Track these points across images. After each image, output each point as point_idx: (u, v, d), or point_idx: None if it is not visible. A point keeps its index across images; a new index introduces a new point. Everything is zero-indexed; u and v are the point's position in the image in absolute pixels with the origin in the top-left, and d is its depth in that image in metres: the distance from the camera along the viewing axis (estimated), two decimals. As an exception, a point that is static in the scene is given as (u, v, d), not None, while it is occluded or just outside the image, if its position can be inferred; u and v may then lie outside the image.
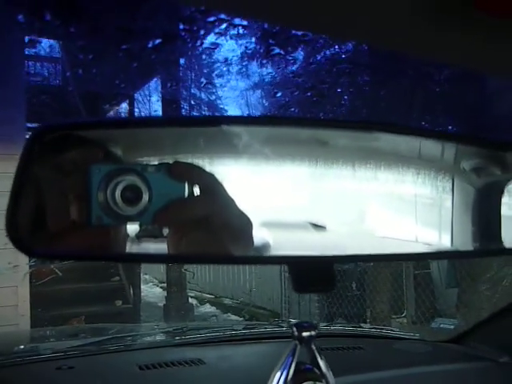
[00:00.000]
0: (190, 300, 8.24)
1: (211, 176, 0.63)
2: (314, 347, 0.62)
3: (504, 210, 0.96)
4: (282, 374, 0.62)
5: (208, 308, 8.71)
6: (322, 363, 0.62)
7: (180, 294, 7.96)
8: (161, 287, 9.89)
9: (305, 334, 0.62)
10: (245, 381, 1.28)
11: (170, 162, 0.62)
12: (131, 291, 6.91)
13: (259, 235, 0.68)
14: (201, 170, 0.63)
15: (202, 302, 8.94)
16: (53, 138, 0.59)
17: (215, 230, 0.61)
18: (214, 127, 0.69)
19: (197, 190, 0.62)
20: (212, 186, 0.63)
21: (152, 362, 1.32)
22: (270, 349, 1.54)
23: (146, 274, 9.83)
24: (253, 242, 0.63)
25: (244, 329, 1.64)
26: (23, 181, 0.54)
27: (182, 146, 0.70)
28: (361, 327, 1.76)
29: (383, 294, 6.93)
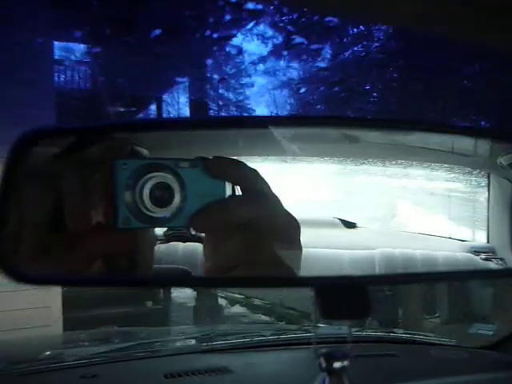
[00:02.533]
0: (220, 300, 8.24)
1: (255, 173, 0.56)
2: (346, 381, 0.56)
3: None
4: None
5: (238, 308, 8.69)
6: None
7: (210, 294, 7.96)
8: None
9: (336, 364, 0.56)
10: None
11: (208, 156, 0.55)
12: (162, 292, 6.93)
13: None
14: (244, 166, 0.56)
15: (232, 302, 8.92)
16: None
17: (260, 234, 0.54)
18: (240, 129, 0.64)
19: (238, 190, 0.55)
20: (257, 185, 0.55)
21: (178, 369, 1.28)
22: (299, 356, 1.49)
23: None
24: (301, 247, 0.57)
25: (272, 334, 1.59)
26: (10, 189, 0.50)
27: (208, 143, 0.65)
28: (394, 332, 1.69)
29: (415, 294, 6.79)
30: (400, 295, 6.66)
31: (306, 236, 0.60)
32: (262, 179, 0.56)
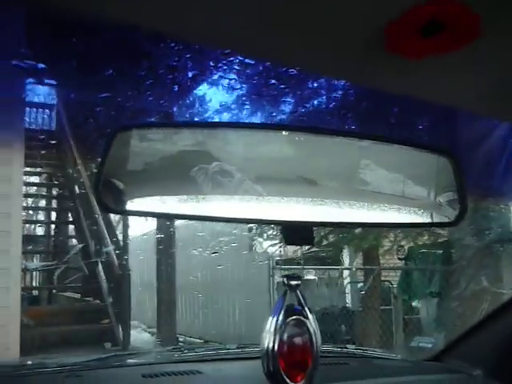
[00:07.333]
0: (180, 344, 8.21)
1: None
2: (299, 293, 0.78)
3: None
4: (275, 313, 0.77)
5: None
6: (304, 304, 0.78)
7: (170, 339, 7.99)
8: (149, 332, 9.83)
9: (292, 282, 0.78)
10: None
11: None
12: (121, 334, 6.91)
13: None
14: None
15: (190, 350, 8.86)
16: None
17: None
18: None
19: None
20: None
21: (154, 372, 1.43)
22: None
23: (134, 319, 9.82)
24: None
25: (237, 348, 1.75)
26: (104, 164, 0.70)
27: (177, 180, 0.82)
28: (346, 348, 1.87)
29: (372, 338, 6.99)
30: (356, 338, 6.86)
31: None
32: None
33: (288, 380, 0.80)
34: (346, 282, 8.27)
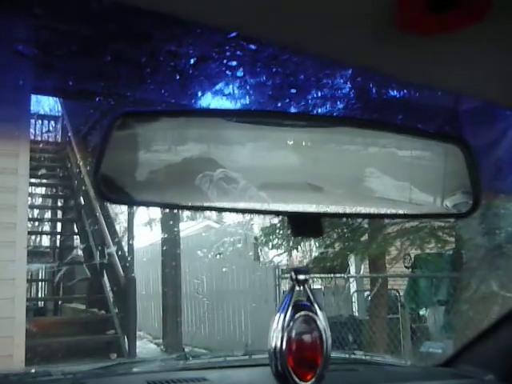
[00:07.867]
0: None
1: None
2: (307, 288, 0.75)
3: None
4: (283, 309, 0.74)
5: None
6: (313, 299, 0.76)
7: (176, 349, 7.95)
8: (155, 343, 9.78)
9: (300, 276, 0.76)
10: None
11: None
12: (126, 345, 6.87)
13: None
14: None
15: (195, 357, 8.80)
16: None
17: None
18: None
19: None
20: None
21: (159, 380, 1.40)
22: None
23: (140, 330, 9.78)
24: None
25: (244, 355, 1.72)
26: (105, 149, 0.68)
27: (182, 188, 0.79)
28: (355, 354, 1.84)
29: (379, 347, 6.93)
30: (364, 346, 6.80)
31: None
32: None
33: (297, 379, 0.77)
34: (352, 290, 8.21)
